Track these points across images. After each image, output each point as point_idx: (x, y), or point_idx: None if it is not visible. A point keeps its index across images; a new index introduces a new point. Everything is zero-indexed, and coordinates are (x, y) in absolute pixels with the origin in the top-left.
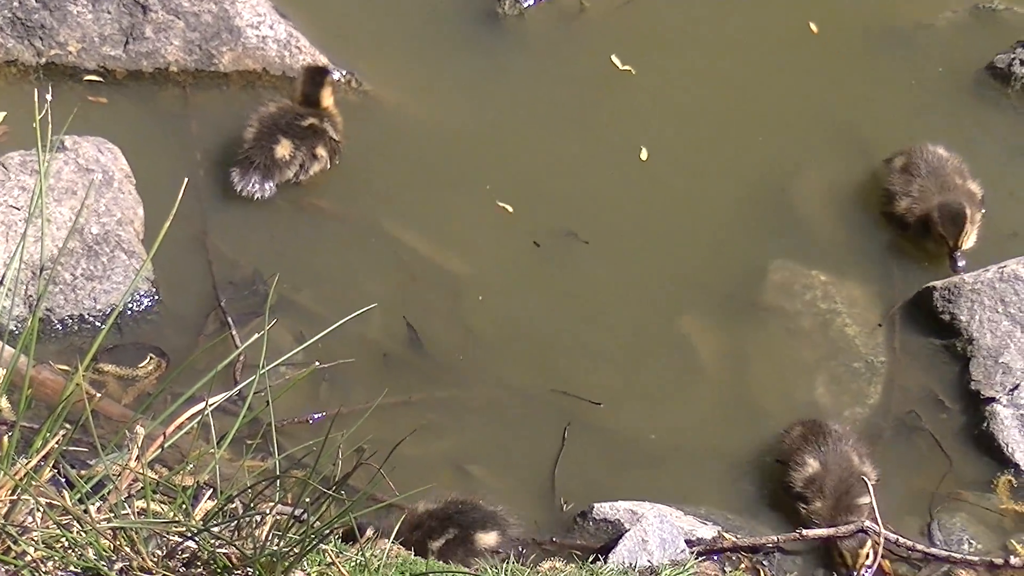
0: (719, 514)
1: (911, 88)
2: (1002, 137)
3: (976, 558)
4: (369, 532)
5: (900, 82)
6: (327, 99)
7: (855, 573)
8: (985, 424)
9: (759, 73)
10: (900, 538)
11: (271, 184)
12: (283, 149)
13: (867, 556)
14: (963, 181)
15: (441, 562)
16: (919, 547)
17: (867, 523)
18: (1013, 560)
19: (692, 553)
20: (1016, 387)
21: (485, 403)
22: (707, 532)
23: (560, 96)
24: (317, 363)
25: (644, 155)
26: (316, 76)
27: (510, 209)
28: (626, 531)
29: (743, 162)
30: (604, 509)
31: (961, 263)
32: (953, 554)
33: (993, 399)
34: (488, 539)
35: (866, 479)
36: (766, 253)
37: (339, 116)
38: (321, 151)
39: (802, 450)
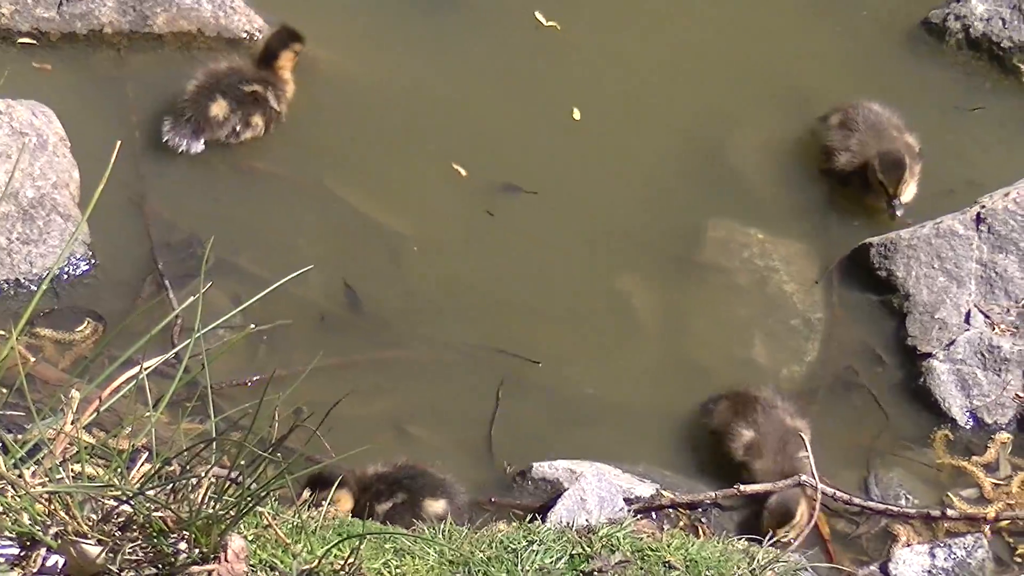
0: (657, 472)
1: (847, 43)
2: (938, 93)
3: (913, 511)
4: (306, 494)
5: (836, 37)
6: (285, 63)
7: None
8: (922, 379)
9: (693, 28)
10: (837, 492)
11: (200, 141)
12: (218, 108)
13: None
14: (901, 135)
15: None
16: (856, 500)
17: (804, 477)
18: (950, 512)
19: (630, 511)
20: (952, 342)
21: (425, 363)
22: (646, 490)
23: (494, 54)
24: (253, 325)
25: (577, 115)
26: (284, 36)
27: (457, 168)
28: (565, 490)
29: (679, 119)
30: (543, 468)
31: (899, 211)
32: (890, 507)
33: (930, 354)
34: (437, 507)
35: (802, 435)
36: (704, 211)
37: (290, 87)
38: (257, 120)
39: (734, 422)
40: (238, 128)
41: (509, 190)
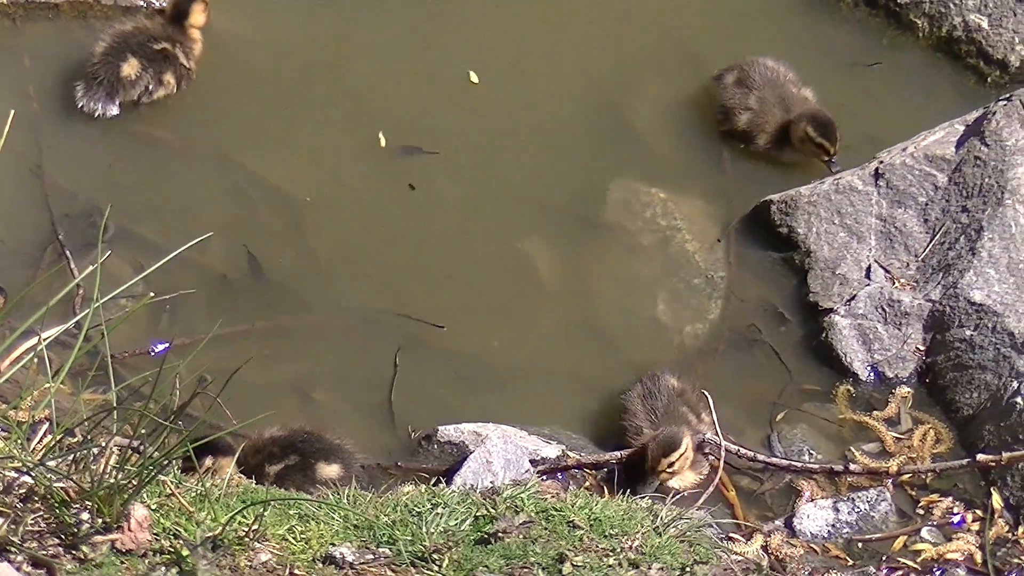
0: (563, 433)
1: (743, 1)
2: (835, 50)
3: (816, 466)
4: (208, 462)
5: None
6: (197, 17)
7: (653, 477)
8: (823, 335)
9: None
10: (741, 448)
11: (115, 103)
12: (129, 68)
13: (670, 464)
14: (798, 90)
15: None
16: (760, 457)
17: (708, 435)
18: (852, 467)
19: (536, 472)
20: (853, 297)
21: (328, 328)
22: (551, 451)
23: (393, 20)
24: (152, 294)
25: (474, 78)
26: None
27: (380, 137)
28: (471, 453)
29: (578, 80)
30: (448, 431)
31: (837, 168)
32: (793, 463)
33: (831, 310)
34: (330, 470)
35: (706, 393)
36: (605, 172)
37: (199, 43)
38: (169, 77)
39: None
40: (151, 87)
41: (409, 152)
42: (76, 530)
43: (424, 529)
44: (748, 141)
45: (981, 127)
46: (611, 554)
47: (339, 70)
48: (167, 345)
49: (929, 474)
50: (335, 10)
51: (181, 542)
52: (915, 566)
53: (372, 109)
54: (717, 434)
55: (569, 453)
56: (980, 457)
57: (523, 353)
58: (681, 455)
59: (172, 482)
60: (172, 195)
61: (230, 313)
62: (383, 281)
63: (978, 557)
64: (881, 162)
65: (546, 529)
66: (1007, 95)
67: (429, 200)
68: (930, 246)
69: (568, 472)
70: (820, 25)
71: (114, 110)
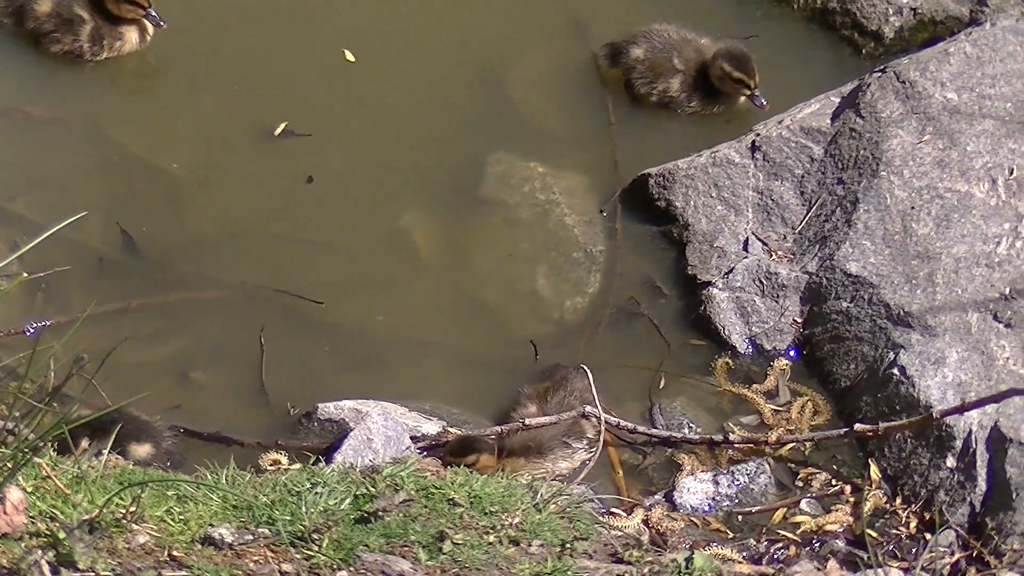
0: (444, 409)
1: None
2: (711, 22)
3: (696, 437)
4: (84, 443)
5: None
6: None
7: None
8: (702, 308)
9: None
10: (621, 422)
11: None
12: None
13: (484, 464)
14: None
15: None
16: (640, 429)
17: (587, 408)
18: (731, 437)
19: (417, 449)
20: (731, 270)
21: (206, 305)
22: (432, 427)
23: None
24: (25, 274)
25: (350, 56)
26: None
27: (244, 112)
28: (351, 430)
29: (455, 54)
30: (328, 409)
31: (764, 100)
32: (674, 434)
33: (709, 283)
34: (141, 450)
35: (585, 368)
36: (484, 145)
37: None
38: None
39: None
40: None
41: (285, 135)
42: None
43: (303, 509)
44: (683, 104)
45: (856, 99)
46: (491, 531)
47: (214, 48)
48: (42, 324)
49: (808, 446)
50: None
51: (58, 524)
52: (795, 538)
53: (247, 87)
54: (597, 406)
55: (450, 429)
56: (857, 427)
57: (403, 328)
58: (473, 464)
59: (48, 464)
60: (48, 171)
61: (106, 291)
62: (261, 258)
63: (857, 528)
64: (757, 134)
65: (426, 507)
66: (881, 67)
67: (307, 175)
68: (806, 218)
69: None
70: None
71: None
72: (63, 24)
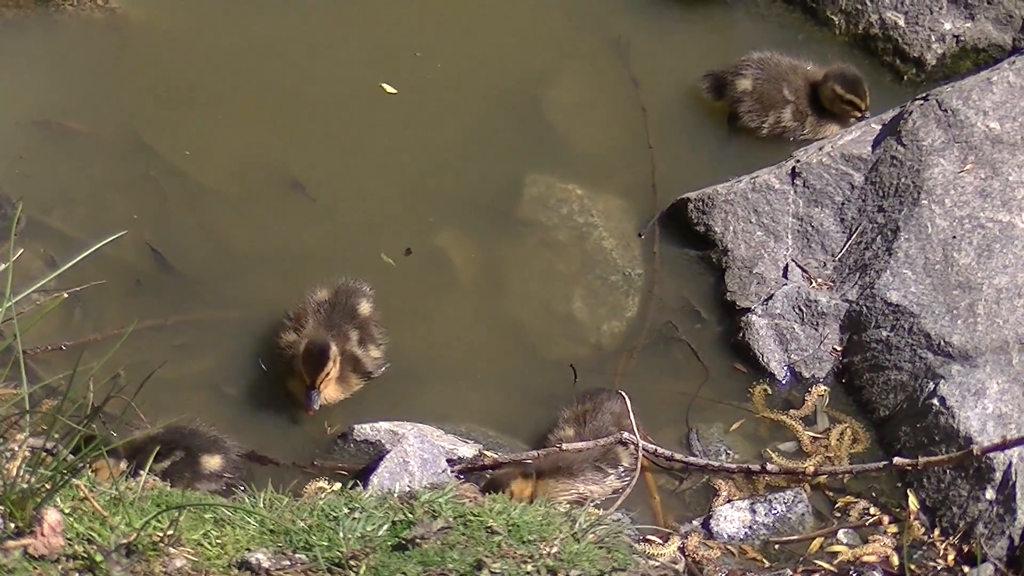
0: (480, 431)
1: None
2: (750, 46)
3: (734, 466)
4: (123, 465)
5: None
6: None
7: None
8: (741, 334)
9: None
10: (659, 449)
11: None
12: None
13: (520, 491)
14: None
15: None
16: (677, 457)
17: (625, 434)
18: (769, 467)
19: (453, 472)
20: (770, 297)
21: (240, 323)
22: (468, 451)
23: (306, 16)
24: (64, 294)
25: (391, 89)
26: None
27: (278, 134)
28: (387, 452)
29: (495, 75)
30: (365, 430)
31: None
32: (711, 462)
33: (748, 309)
34: (213, 462)
35: (622, 393)
36: (522, 167)
37: None
38: None
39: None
40: None
41: (296, 187)
42: None
43: (341, 535)
44: (795, 133)
45: (897, 127)
46: (529, 560)
47: (252, 63)
48: (80, 342)
49: (846, 476)
50: (256, 8)
51: (95, 547)
52: (831, 568)
53: (283, 108)
54: (635, 434)
55: (486, 452)
56: (896, 460)
57: (439, 349)
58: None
59: (86, 486)
60: (84, 185)
61: (142, 306)
62: (295, 277)
63: (894, 560)
64: (798, 161)
65: (464, 535)
66: (923, 94)
67: (344, 195)
68: (847, 246)
69: (484, 473)
70: (737, 21)
71: None
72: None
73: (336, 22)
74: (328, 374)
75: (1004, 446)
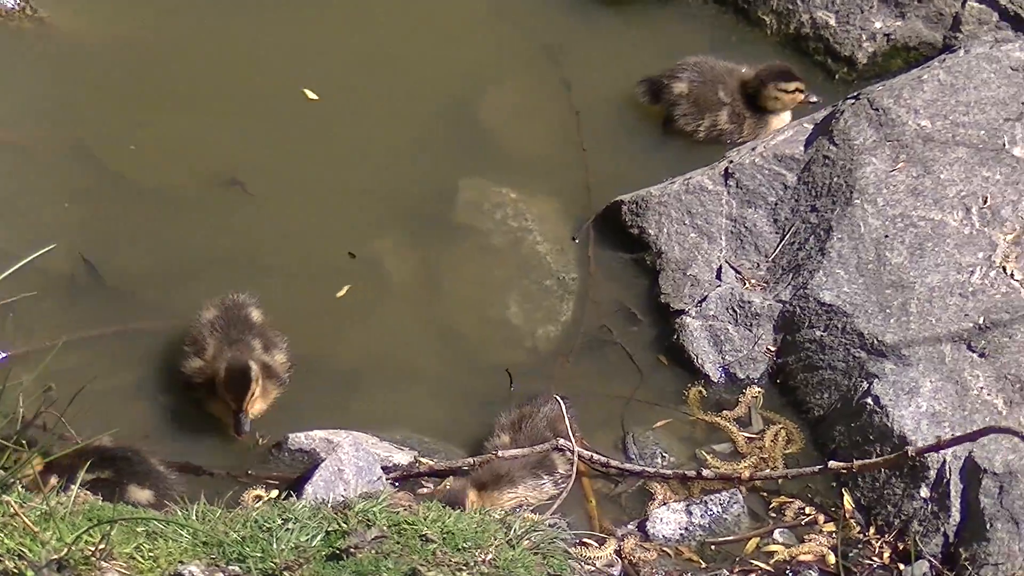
0: (416, 438)
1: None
2: (684, 48)
3: (669, 472)
4: (53, 480)
5: None
6: None
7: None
8: (675, 336)
9: None
10: (594, 455)
11: None
12: None
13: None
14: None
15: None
16: (614, 463)
17: (561, 441)
18: (704, 472)
19: (388, 479)
20: (704, 299)
21: (174, 332)
22: (403, 458)
23: (233, 24)
24: None
25: (312, 95)
26: None
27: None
28: (322, 460)
29: (428, 82)
30: (299, 439)
31: (816, 98)
32: (647, 469)
33: (682, 311)
34: (141, 495)
35: (559, 398)
36: (457, 172)
37: None
38: None
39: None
40: None
41: (235, 184)
42: None
43: (275, 545)
44: (733, 136)
45: (829, 126)
46: (464, 568)
47: (181, 68)
48: (5, 355)
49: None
50: (194, 14)
51: (25, 563)
52: (768, 568)
53: (219, 111)
54: (571, 439)
55: (421, 459)
56: (832, 464)
57: (374, 356)
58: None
59: (16, 501)
60: (17, 196)
61: (75, 316)
62: (231, 285)
63: (830, 558)
64: (731, 162)
65: (398, 543)
66: (855, 93)
67: (278, 202)
68: (780, 246)
69: (419, 480)
70: (669, 23)
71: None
72: None
73: (266, 25)
74: (254, 394)
75: (938, 447)
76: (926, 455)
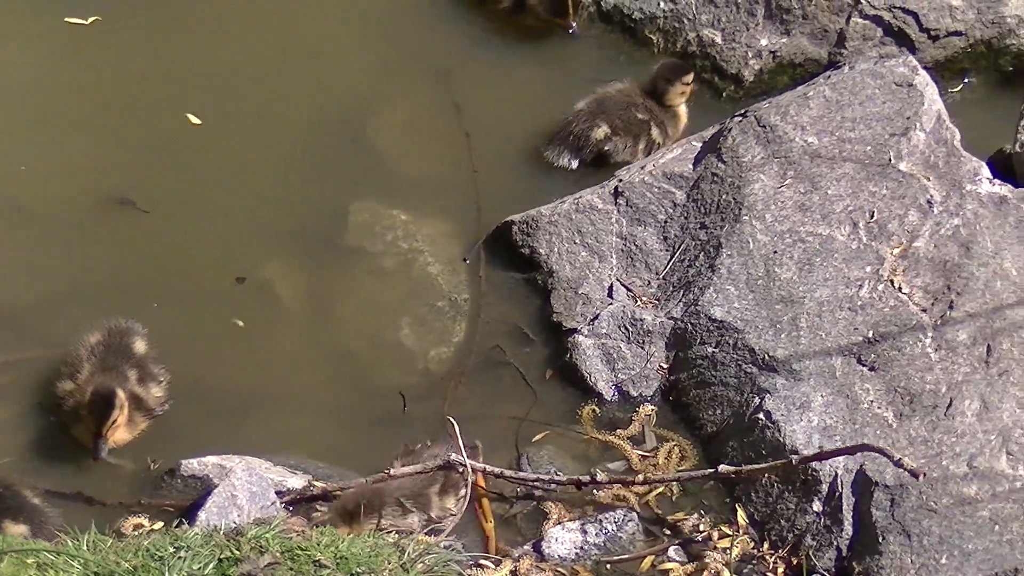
0: (309, 462)
1: (483, 20)
2: (572, 68)
3: (564, 478)
4: None
5: (472, 14)
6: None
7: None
8: (568, 355)
9: (327, 9)
10: (488, 467)
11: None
12: None
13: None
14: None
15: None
16: (507, 473)
17: (454, 456)
18: (599, 477)
19: (282, 504)
20: (596, 317)
21: (59, 360)
22: (297, 482)
23: (118, 47)
24: None
25: (195, 120)
26: None
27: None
28: (215, 486)
29: (320, 104)
30: (192, 465)
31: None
32: (542, 476)
33: (575, 330)
34: (17, 529)
35: (451, 419)
36: (347, 194)
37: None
38: None
39: None
40: None
41: (126, 203)
42: None
43: (167, 574)
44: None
45: (717, 143)
46: None
47: (63, 106)
48: None
49: (675, 492)
50: (69, 48)
51: None
52: None
53: (107, 151)
54: (463, 456)
55: (315, 483)
56: (722, 468)
57: (267, 381)
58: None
59: None
60: None
61: None
62: (119, 312)
63: (725, 574)
64: (620, 180)
65: (292, 569)
66: (742, 111)
67: (165, 229)
68: (670, 264)
69: (313, 504)
70: (556, 43)
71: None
72: None
73: (153, 49)
74: (115, 421)
75: (821, 456)
76: (818, 468)
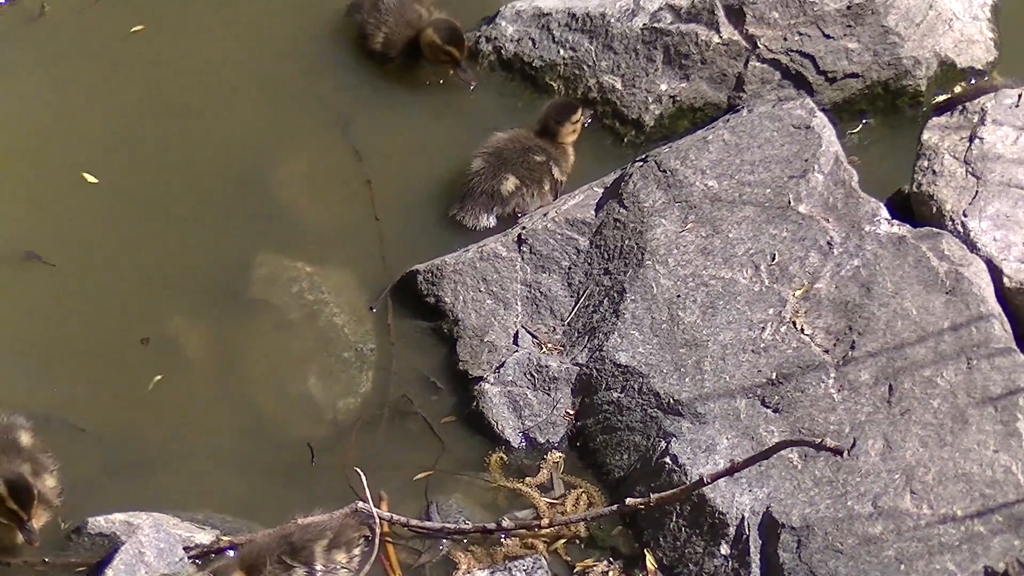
0: (218, 517)
1: (371, 67)
2: (472, 116)
3: (469, 526)
4: None
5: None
6: None
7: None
8: (475, 404)
9: (223, 60)
10: (394, 516)
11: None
12: None
13: None
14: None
15: None
16: (413, 523)
17: (360, 504)
18: (505, 523)
19: (190, 559)
20: (502, 364)
21: None
22: (205, 537)
23: (14, 106)
24: None
25: (91, 179)
26: None
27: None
28: (122, 543)
29: (217, 156)
30: (99, 523)
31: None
32: (447, 524)
33: (481, 378)
34: None
35: (358, 470)
36: (250, 247)
37: None
38: None
39: None
40: None
41: (32, 257)
42: None
43: None
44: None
45: (619, 189)
46: None
47: None
48: None
49: (584, 538)
50: None
51: None
52: None
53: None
54: (370, 505)
55: (223, 537)
56: (628, 501)
57: (173, 435)
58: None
59: None
60: None
61: None
62: (19, 376)
63: None
64: (524, 228)
65: None
66: (643, 156)
67: (67, 287)
68: (575, 310)
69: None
70: (456, 89)
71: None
72: None
73: (43, 109)
74: (35, 501)
75: (732, 471)
76: (724, 512)
